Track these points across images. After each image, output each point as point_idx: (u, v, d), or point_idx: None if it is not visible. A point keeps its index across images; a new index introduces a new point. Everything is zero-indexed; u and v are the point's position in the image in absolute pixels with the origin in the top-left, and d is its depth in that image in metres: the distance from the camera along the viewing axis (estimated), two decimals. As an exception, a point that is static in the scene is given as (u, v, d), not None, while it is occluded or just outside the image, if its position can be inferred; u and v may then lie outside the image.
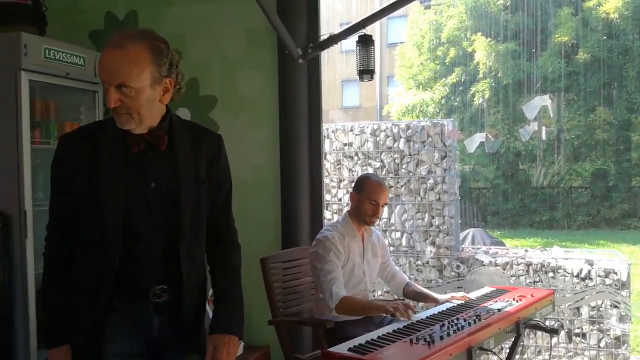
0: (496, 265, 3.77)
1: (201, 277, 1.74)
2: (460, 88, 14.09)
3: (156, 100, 1.57)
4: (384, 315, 2.70)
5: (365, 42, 3.19)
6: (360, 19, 3.20)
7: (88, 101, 3.27)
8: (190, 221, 1.63)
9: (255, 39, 3.40)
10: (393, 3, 3.05)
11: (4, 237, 2.70)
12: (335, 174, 4.38)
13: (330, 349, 1.84)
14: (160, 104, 1.60)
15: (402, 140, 4.12)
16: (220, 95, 3.48)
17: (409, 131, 4.11)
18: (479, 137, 11.92)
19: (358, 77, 3.22)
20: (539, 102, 11.93)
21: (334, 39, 3.27)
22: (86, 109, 3.29)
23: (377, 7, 3.36)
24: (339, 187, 4.42)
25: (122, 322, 1.59)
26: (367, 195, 2.59)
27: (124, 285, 1.58)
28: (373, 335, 1.95)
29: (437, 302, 2.55)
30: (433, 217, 4.00)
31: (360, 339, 1.90)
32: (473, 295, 2.55)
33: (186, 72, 3.58)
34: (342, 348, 1.83)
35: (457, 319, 2.09)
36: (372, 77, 3.22)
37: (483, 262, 3.78)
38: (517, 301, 2.35)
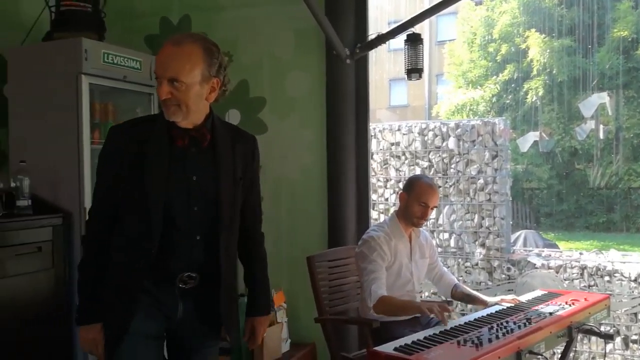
0: (549, 268, 3.66)
1: (234, 269, 1.85)
2: (513, 85, 13.72)
3: (203, 97, 1.67)
4: (431, 316, 2.68)
5: (414, 41, 3.17)
6: (408, 17, 3.18)
7: (144, 103, 3.39)
8: (228, 215, 1.74)
9: (304, 40, 3.44)
10: (441, 2, 3.02)
11: (66, 233, 2.84)
12: (382, 174, 4.37)
13: (376, 348, 1.85)
14: (206, 102, 1.70)
15: (452, 139, 4.06)
16: (269, 96, 3.54)
17: (459, 130, 4.05)
18: (532, 136, 11.56)
19: (406, 76, 3.20)
20: (597, 100, 11.46)
21: (381, 39, 3.26)
22: (142, 111, 3.41)
23: (426, 6, 3.33)
24: (385, 187, 4.40)
25: (148, 304, 1.70)
26: (416, 197, 2.57)
27: (156, 270, 1.68)
28: (419, 335, 1.95)
29: (485, 304, 2.51)
30: (483, 218, 3.93)
31: (407, 339, 1.90)
32: (524, 298, 2.50)
33: (237, 74, 3.71)
34: (388, 347, 1.83)
35: (507, 321, 2.06)
36: (420, 76, 3.19)
37: (535, 264, 3.68)
38: (570, 305, 2.29)
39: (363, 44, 3.31)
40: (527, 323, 2.02)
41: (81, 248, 1.81)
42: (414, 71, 3.18)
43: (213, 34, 3.60)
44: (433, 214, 4.14)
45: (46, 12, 3.20)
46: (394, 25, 3.32)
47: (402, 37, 3.26)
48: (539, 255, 3.96)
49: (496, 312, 2.26)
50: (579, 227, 13.15)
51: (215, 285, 1.73)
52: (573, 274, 3.66)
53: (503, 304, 2.40)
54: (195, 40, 1.64)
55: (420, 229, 2.74)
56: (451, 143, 4.11)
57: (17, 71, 3.09)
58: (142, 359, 1.71)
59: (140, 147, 1.65)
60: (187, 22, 3.67)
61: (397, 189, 4.33)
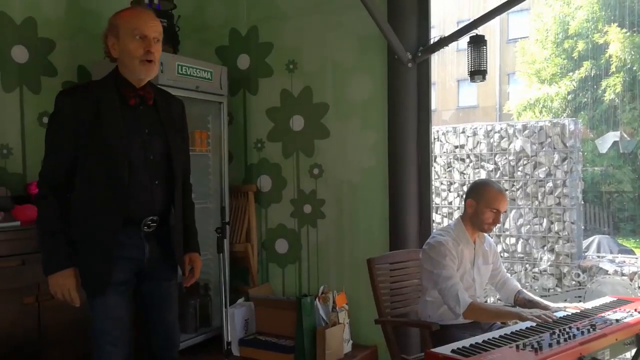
0: (622, 275, 3.50)
1: (180, 211, 2.10)
2: (590, 83, 13.05)
3: None
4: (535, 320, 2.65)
5: (477, 43, 3.14)
6: (471, 17, 3.16)
7: (214, 111, 3.57)
8: (180, 163, 2.03)
9: (367, 45, 3.49)
10: (505, 3, 2.98)
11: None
12: (445, 177, 4.33)
13: (434, 350, 1.87)
14: None
15: (518, 141, 3.97)
16: (331, 102, 3.63)
17: (526, 132, 3.95)
18: (612, 136, 10.94)
19: (470, 78, 3.18)
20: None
21: (444, 42, 3.26)
22: (212, 118, 3.60)
23: (489, 6, 3.29)
24: (449, 190, 4.37)
25: (120, 254, 1.92)
26: (487, 203, 2.53)
27: (124, 217, 1.90)
28: (478, 339, 1.95)
29: (547, 309, 2.45)
30: (552, 223, 3.81)
31: (465, 342, 1.91)
32: (590, 304, 2.42)
33: (301, 81, 3.84)
34: (445, 349, 1.85)
35: (570, 327, 2.02)
36: (484, 78, 3.16)
37: (607, 271, 3.53)
38: (639, 312, 2.20)
39: (425, 48, 3.32)
40: (591, 329, 1.98)
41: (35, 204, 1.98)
42: (477, 73, 3.15)
43: (278, 42, 3.76)
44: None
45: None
46: (460, 25, 3.29)
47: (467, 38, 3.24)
48: (612, 261, 3.78)
49: (560, 318, 2.21)
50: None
51: (168, 225, 2.02)
52: (650, 281, 3.48)
53: (567, 310, 2.35)
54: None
55: (485, 234, 2.71)
56: (518, 145, 4.02)
57: (100, 83, 3.35)
58: (118, 305, 1.94)
59: (96, 106, 1.86)
60: (255, 32, 3.83)
61: (461, 192, 4.28)
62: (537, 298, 2.64)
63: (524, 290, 2.71)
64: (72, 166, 1.90)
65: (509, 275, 2.77)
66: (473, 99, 18.17)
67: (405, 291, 2.91)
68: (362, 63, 3.52)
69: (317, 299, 3.34)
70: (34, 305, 2.62)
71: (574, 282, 3.71)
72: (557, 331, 1.98)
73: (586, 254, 4.40)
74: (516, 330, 2.04)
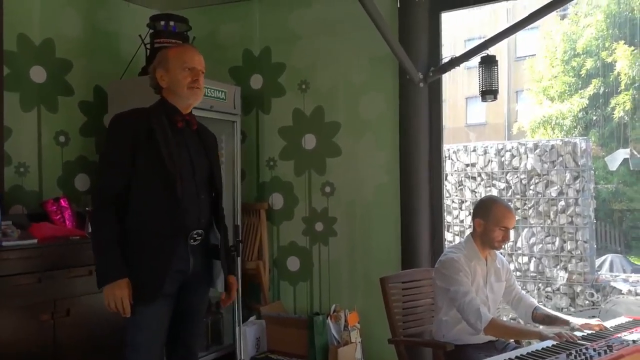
0: (636, 294, 3.47)
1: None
2: (601, 100, 13.03)
3: None
4: (508, 341, 2.64)
5: (488, 63, 3.17)
6: (482, 34, 3.19)
7: (228, 130, 3.62)
8: (220, 181, 2.21)
9: (378, 65, 3.54)
10: (519, 22, 3.02)
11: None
12: (457, 195, 4.34)
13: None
14: None
15: (530, 159, 3.98)
16: (343, 121, 3.67)
17: (537, 150, 3.96)
18: (622, 154, 10.86)
19: (481, 97, 3.20)
20: (692, 113, 10.64)
21: (455, 62, 3.29)
22: (226, 137, 3.64)
23: (500, 23, 3.32)
24: (460, 209, 4.37)
25: (172, 263, 2.01)
26: (495, 222, 2.51)
27: (177, 229, 2.02)
28: (495, 359, 1.94)
29: (568, 324, 2.42)
30: (565, 242, 3.79)
31: (481, 363, 1.90)
32: (606, 325, 2.40)
33: (313, 101, 3.88)
34: (461, 370, 1.85)
35: (587, 348, 2.00)
36: (495, 98, 3.19)
37: (621, 290, 3.50)
38: (657, 334, 2.18)
39: (436, 68, 3.36)
40: (607, 350, 1.96)
41: (90, 220, 2.12)
42: (488, 93, 3.18)
43: (291, 62, 3.82)
44: (511, 237, 4.05)
45: (142, 49, 3.53)
46: (469, 44, 3.33)
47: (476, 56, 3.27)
48: (625, 280, 3.76)
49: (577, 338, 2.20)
50: (677, 252, 12.14)
51: (208, 241, 2.15)
52: (666, 301, 3.45)
53: (585, 330, 2.32)
54: None
55: (496, 252, 2.71)
56: (529, 164, 4.02)
57: (116, 102, 3.42)
58: (163, 316, 2.05)
59: (149, 127, 2.02)
60: (268, 53, 3.89)
61: (472, 211, 4.28)
62: (555, 313, 2.61)
63: (541, 306, 2.68)
64: (127, 183, 2.02)
65: (524, 292, 2.75)
66: (482, 117, 18.17)
67: (418, 310, 2.89)
68: (373, 83, 3.57)
69: (329, 318, 3.34)
70: (50, 322, 2.65)
71: (587, 302, 3.69)
72: (573, 352, 1.96)
73: (599, 272, 4.37)
74: (532, 351, 2.03)
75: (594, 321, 2.41)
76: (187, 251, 2.06)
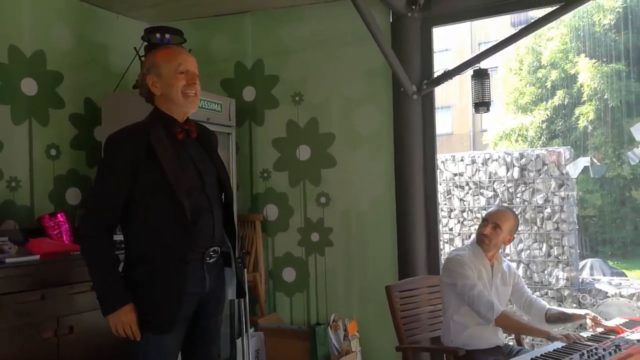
0: (621, 296, 3.63)
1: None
2: (564, 111, 13.53)
3: None
4: (512, 345, 2.71)
5: (480, 76, 3.29)
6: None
7: (223, 142, 3.60)
8: (230, 189, 2.09)
9: (371, 78, 3.61)
10: (509, 37, 3.14)
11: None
12: (445, 204, 4.44)
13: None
14: None
15: (516, 169, 4.12)
16: (338, 132, 3.71)
17: (523, 160, 4.11)
18: (582, 162, 11.30)
19: (474, 109, 3.31)
20: (649, 123, 11.18)
21: (448, 75, 3.39)
22: (221, 149, 3.62)
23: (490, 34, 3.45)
24: (449, 217, 4.47)
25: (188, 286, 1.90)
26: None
27: (189, 249, 1.90)
28: (511, 362, 2.00)
29: (583, 317, 2.52)
30: (551, 247, 3.94)
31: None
32: (606, 325, 2.51)
33: (306, 113, 3.92)
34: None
35: (596, 348, 2.09)
36: (488, 110, 3.30)
37: (607, 293, 3.65)
38: (656, 333, 2.30)
39: (429, 81, 3.45)
40: (617, 350, 2.06)
41: (80, 245, 1.98)
42: (481, 105, 3.29)
43: (284, 74, 3.85)
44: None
45: (135, 61, 3.51)
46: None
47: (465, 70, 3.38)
48: (609, 283, 3.92)
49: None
50: (638, 255, 12.65)
51: (227, 254, 2.05)
52: (647, 302, 3.61)
53: (597, 328, 2.43)
54: None
55: (504, 257, 2.79)
56: (515, 173, 4.16)
57: (110, 115, 3.38)
58: (176, 343, 1.95)
59: (147, 143, 1.88)
60: (260, 65, 3.91)
61: (461, 219, 4.39)
62: (567, 310, 2.69)
63: (553, 307, 2.75)
64: (123, 207, 1.90)
65: (534, 296, 2.80)
66: (448, 127, 18.55)
67: (419, 318, 2.94)
68: (367, 95, 3.63)
69: (329, 327, 3.36)
70: (53, 340, 2.58)
71: (575, 305, 3.82)
72: (585, 352, 2.05)
73: (581, 277, 4.53)
74: (544, 353, 2.10)
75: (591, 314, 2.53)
76: (203, 270, 1.95)
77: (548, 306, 2.73)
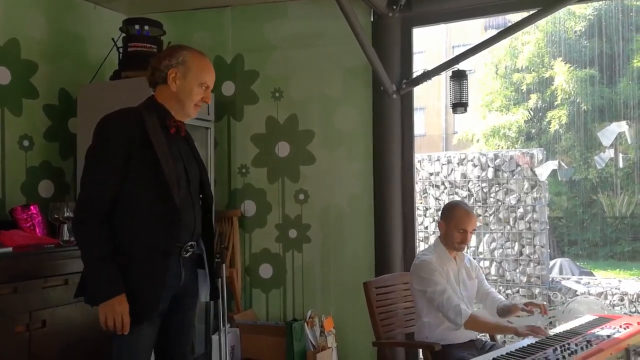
0: (589, 294, 3.74)
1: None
2: (540, 114, 13.82)
3: None
4: (485, 340, 2.78)
5: (459, 77, 3.34)
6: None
7: (201, 137, 3.58)
8: (209, 187, 2.13)
9: (352, 77, 3.63)
10: (489, 39, 3.20)
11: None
12: (421, 203, 4.50)
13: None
14: None
15: (490, 169, 4.20)
16: (317, 129, 3.72)
17: (497, 160, 4.19)
18: (551, 165, 11.59)
19: (452, 109, 3.36)
20: (616, 129, 11.48)
21: (427, 75, 3.44)
22: (199, 144, 3.60)
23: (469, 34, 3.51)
24: (425, 216, 4.53)
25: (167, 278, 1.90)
26: (455, 225, 2.66)
27: (170, 241, 1.91)
28: (487, 357, 2.05)
29: (518, 307, 2.64)
30: (523, 246, 4.03)
31: (474, 360, 2.00)
32: (578, 322, 2.59)
33: (286, 109, 3.91)
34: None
35: (569, 343, 2.15)
36: (465, 110, 3.36)
37: (577, 291, 3.76)
38: (624, 328, 2.38)
39: (409, 80, 3.49)
40: (588, 345, 2.12)
41: (75, 232, 1.91)
42: (459, 105, 3.34)
43: (265, 71, 3.84)
44: (473, 242, 4.24)
45: (112, 52, 3.45)
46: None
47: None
48: (578, 282, 4.03)
49: (555, 335, 2.35)
50: (604, 256, 13.03)
51: (207, 251, 2.07)
52: (614, 300, 3.72)
53: (534, 309, 2.56)
54: None
55: (463, 252, 2.85)
56: (490, 173, 4.24)
57: (86, 107, 3.32)
58: (151, 336, 1.94)
59: (143, 129, 1.88)
60: (240, 60, 3.89)
61: (436, 218, 4.45)
62: (506, 302, 2.81)
63: (505, 300, 2.85)
64: (118, 192, 1.87)
65: (492, 289, 2.89)
66: (421, 128, 18.76)
67: (396, 314, 2.98)
68: (347, 93, 3.65)
69: (305, 324, 3.37)
70: (25, 334, 2.52)
71: (546, 303, 3.91)
72: (558, 347, 2.11)
73: (551, 275, 4.65)
74: (519, 348, 2.16)
75: (537, 301, 2.62)
76: (179, 265, 1.96)
77: (501, 299, 2.80)
